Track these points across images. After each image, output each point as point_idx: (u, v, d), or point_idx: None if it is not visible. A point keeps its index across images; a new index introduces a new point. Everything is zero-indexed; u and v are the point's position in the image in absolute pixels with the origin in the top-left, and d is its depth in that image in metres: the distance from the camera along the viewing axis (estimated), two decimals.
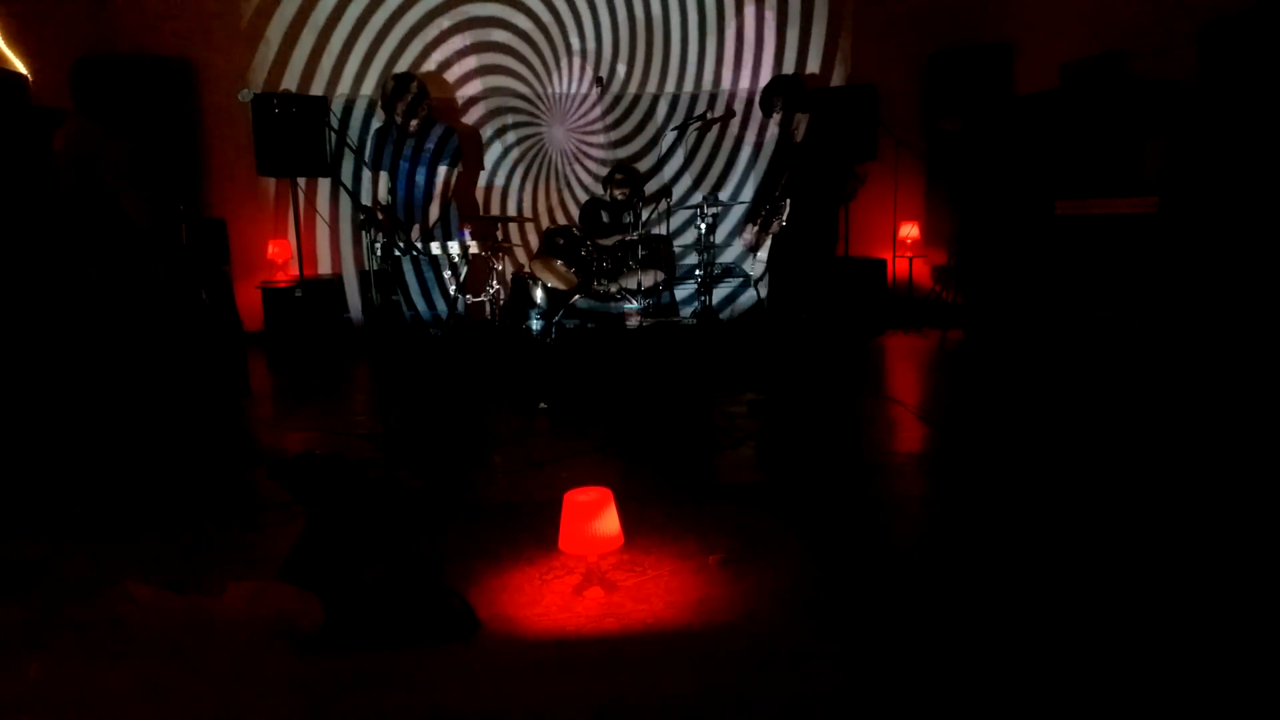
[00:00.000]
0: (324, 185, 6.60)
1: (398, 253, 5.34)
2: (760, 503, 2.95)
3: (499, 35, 6.55)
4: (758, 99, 5.08)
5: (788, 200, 4.81)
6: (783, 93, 4.90)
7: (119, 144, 2.99)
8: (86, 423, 4.08)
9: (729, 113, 6.69)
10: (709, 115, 6.57)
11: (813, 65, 6.71)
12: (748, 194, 6.51)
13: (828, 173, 4.89)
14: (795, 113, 4.89)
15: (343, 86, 6.48)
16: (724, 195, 6.64)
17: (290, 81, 6.44)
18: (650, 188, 6.44)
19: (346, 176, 6.53)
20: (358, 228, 6.56)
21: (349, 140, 6.40)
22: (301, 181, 6.34)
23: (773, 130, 5.08)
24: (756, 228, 5.10)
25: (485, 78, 6.58)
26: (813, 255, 4.99)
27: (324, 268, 6.67)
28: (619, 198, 5.90)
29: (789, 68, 6.68)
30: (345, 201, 6.59)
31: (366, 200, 6.07)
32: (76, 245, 3.23)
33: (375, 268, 4.73)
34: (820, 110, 4.98)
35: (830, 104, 6.40)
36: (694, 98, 6.69)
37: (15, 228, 4.38)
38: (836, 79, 6.70)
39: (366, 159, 6.13)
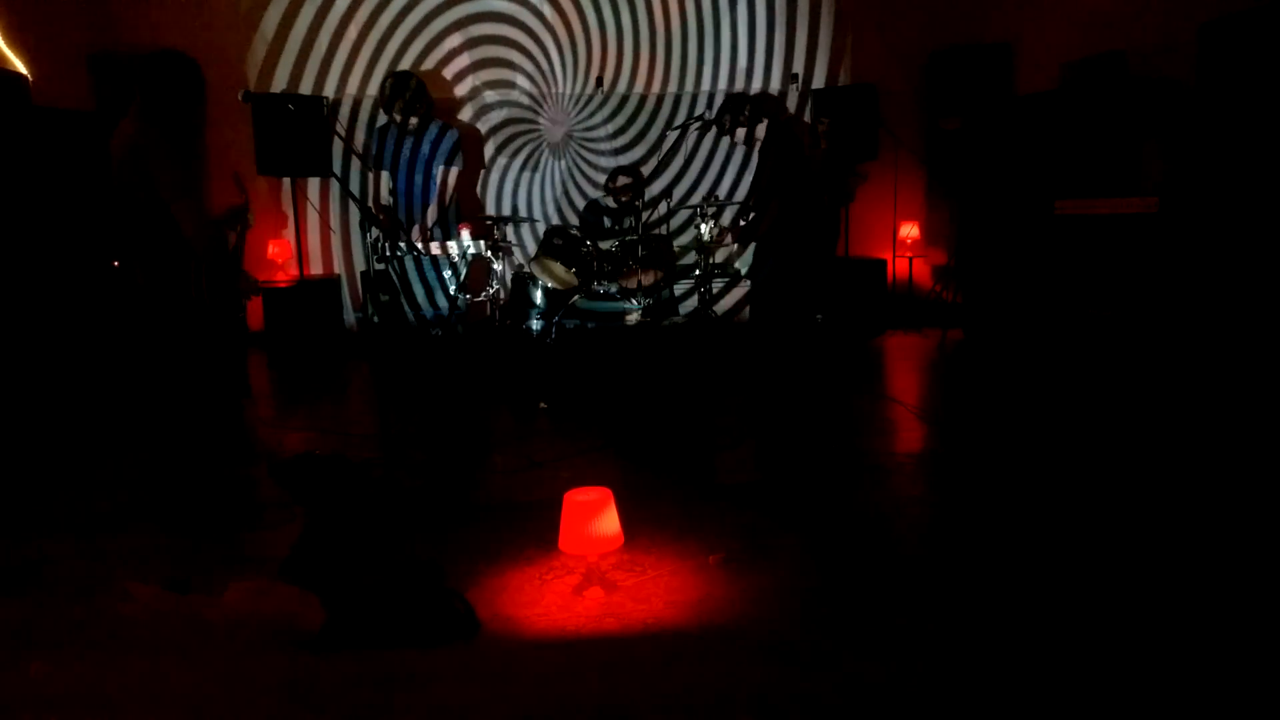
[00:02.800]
0: (324, 185, 6.59)
1: (398, 252, 5.33)
2: (760, 503, 2.95)
3: (499, 35, 6.55)
4: (720, 113, 5.16)
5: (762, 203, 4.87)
6: (730, 111, 4.98)
7: (171, 148, 2.96)
8: (88, 423, 4.08)
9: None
10: (708, 116, 6.57)
11: (811, 64, 6.70)
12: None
13: (800, 172, 4.92)
14: (744, 128, 4.95)
15: (344, 86, 6.48)
16: (724, 195, 6.64)
17: (291, 81, 6.43)
18: (651, 188, 6.44)
19: (347, 177, 6.53)
20: (358, 228, 6.57)
21: (346, 138, 6.40)
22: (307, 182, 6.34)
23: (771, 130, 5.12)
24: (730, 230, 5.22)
25: (486, 77, 6.58)
26: (809, 256, 5.01)
27: (325, 268, 6.67)
28: (620, 198, 5.90)
29: (788, 68, 6.68)
30: (345, 201, 6.58)
31: (367, 200, 6.07)
32: (113, 246, 3.21)
33: (375, 268, 4.74)
34: (782, 113, 5.04)
35: (831, 103, 6.41)
36: (696, 97, 6.70)
37: (16, 228, 4.39)
38: (839, 79, 6.70)
39: (368, 159, 6.12)
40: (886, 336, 6.38)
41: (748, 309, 6.71)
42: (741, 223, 5.22)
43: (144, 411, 3.56)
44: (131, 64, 3.10)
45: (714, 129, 5.19)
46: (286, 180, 6.37)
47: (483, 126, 6.62)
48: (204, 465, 3.34)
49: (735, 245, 5.30)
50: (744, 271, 5.89)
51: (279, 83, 6.41)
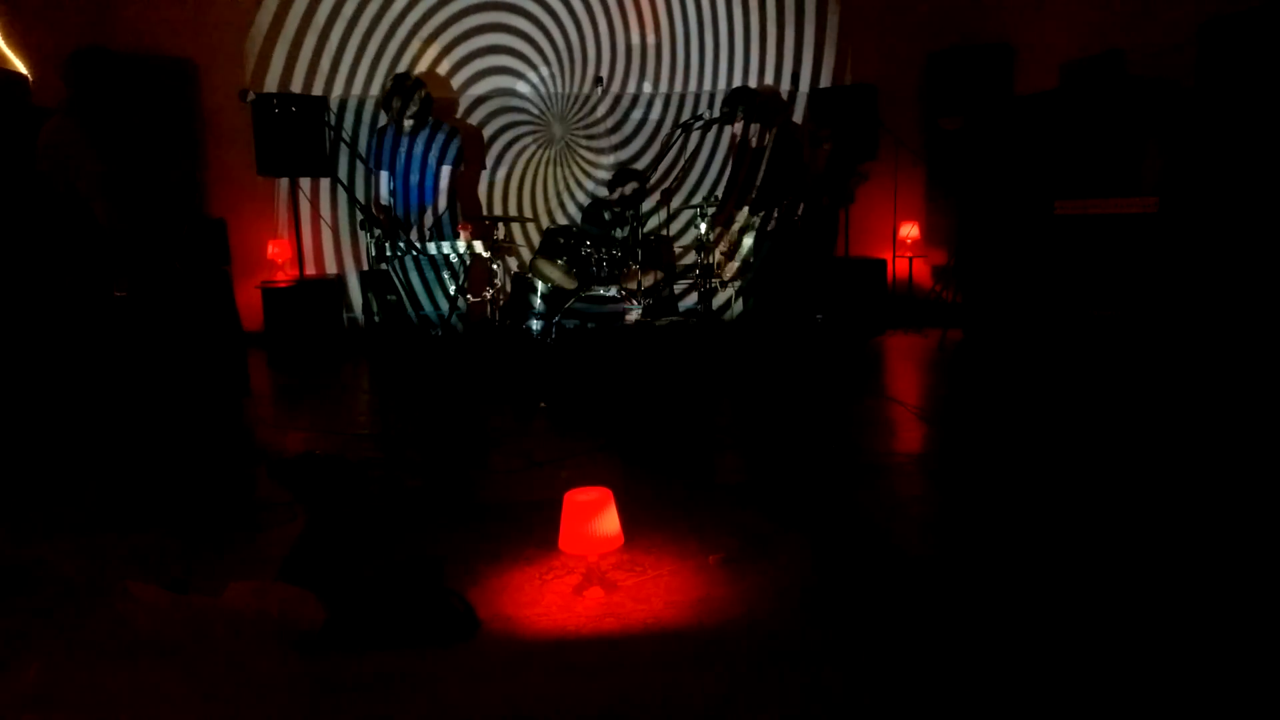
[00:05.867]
0: (324, 185, 6.59)
1: (398, 252, 5.33)
2: (760, 503, 2.96)
3: (499, 35, 6.55)
4: (720, 107, 5.16)
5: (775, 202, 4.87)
6: (742, 103, 4.97)
7: (97, 144, 2.95)
8: (87, 423, 4.07)
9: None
10: (708, 115, 6.57)
11: (816, 64, 6.71)
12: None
13: (800, 175, 4.92)
14: (754, 123, 4.94)
15: (344, 86, 6.48)
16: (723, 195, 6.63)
17: (290, 81, 6.43)
18: (651, 188, 6.44)
19: (346, 176, 6.53)
20: (358, 228, 6.56)
21: (348, 139, 6.40)
22: (302, 182, 6.34)
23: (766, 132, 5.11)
24: (718, 227, 5.22)
25: (487, 77, 6.58)
26: (808, 256, 5.02)
27: (324, 268, 6.67)
28: (622, 196, 5.90)
29: (790, 68, 6.68)
30: (345, 201, 6.58)
31: (367, 201, 6.07)
32: (47, 247, 3.22)
33: (375, 268, 4.74)
34: (787, 119, 5.04)
35: (831, 103, 6.41)
36: (697, 97, 6.70)
37: (11, 229, 4.38)
38: (838, 79, 6.70)
39: (367, 158, 6.12)
40: (886, 336, 6.38)
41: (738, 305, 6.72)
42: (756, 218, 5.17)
43: (146, 411, 3.56)
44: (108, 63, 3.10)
45: (717, 124, 5.19)
46: (286, 180, 6.37)
47: (483, 126, 6.62)
48: (204, 465, 3.34)
49: (744, 252, 5.27)
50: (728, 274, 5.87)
51: (272, 82, 6.40)
